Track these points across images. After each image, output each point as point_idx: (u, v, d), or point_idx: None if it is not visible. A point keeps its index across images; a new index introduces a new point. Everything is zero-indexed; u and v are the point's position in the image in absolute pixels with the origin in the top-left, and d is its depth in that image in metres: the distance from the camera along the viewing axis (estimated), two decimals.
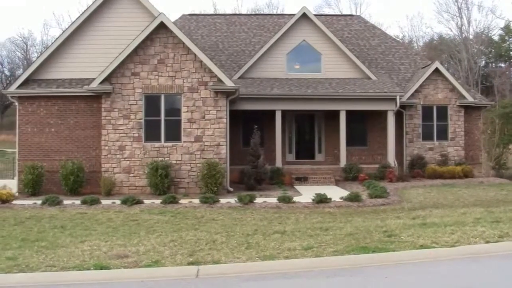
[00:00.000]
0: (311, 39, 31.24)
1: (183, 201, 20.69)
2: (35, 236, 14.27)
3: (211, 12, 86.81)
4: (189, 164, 24.28)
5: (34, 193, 23.72)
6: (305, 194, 22.69)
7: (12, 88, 25.81)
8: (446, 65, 69.27)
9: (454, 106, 32.24)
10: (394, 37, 48.68)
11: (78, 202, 20.69)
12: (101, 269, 10.39)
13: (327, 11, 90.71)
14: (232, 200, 20.72)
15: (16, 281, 9.94)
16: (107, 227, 15.68)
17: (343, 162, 29.13)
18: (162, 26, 24.24)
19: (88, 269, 10.42)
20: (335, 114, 29.80)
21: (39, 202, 20.75)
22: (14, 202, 21.16)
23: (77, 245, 12.66)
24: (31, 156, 25.24)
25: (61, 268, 10.53)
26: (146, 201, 20.66)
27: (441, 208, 18.69)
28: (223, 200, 20.69)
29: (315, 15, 34.15)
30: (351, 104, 28.97)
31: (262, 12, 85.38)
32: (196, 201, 20.58)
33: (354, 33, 37.46)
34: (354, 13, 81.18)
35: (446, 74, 32.49)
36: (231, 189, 24.48)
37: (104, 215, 17.93)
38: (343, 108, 29.02)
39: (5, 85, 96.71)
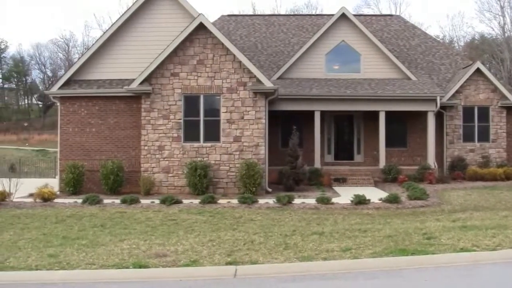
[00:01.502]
0: (350, 39, 31.08)
1: (222, 201, 20.75)
2: (75, 234, 14.48)
3: (250, 12, 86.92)
4: (227, 164, 24.34)
5: (75, 192, 24.04)
6: (344, 195, 22.57)
7: (54, 89, 26.21)
8: (487, 65, 68.18)
9: (496, 107, 31.74)
10: (434, 37, 48.13)
11: (117, 201, 20.92)
12: (140, 267, 10.49)
13: (366, 11, 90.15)
14: (271, 200, 20.71)
15: (58, 278, 10.10)
16: (146, 226, 15.81)
17: (382, 163, 28.91)
18: (201, 27, 24.34)
19: (127, 267, 10.53)
20: (374, 114, 29.59)
21: (80, 200, 21.04)
22: (56, 200, 21.50)
23: (117, 244, 12.80)
24: (72, 155, 25.60)
25: (101, 266, 10.66)
26: (185, 201, 20.77)
27: (482, 210, 18.40)
28: (261, 201, 20.70)
29: (354, 15, 33.97)
30: (391, 105, 28.72)
31: (301, 13, 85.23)
32: (234, 201, 20.63)
33: (394, 33, 37.15)
34: (393, 13, 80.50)
35: (488, 74, 32.00)
36: (270, 190, 24.47)
37: (143, 214, 18.08)
38: (382, 109, 28.79)
39: (47, 86, 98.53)
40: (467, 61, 35.76)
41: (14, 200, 21.46)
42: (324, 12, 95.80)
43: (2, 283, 9.96)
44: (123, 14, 26.11)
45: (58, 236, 14.22)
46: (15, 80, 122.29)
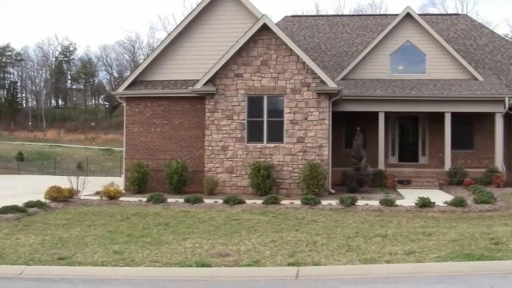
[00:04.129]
0: (415, 39, 30.61)
1: (284, 202, 20.72)
2: (140, 232, 14.72)
3: (313, 13, 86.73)
4: (290, 165, 24.31)
5: (139, 191, 24.45)
6: (408, 197, 22.25)
7: (120, 89, 26.74)
8: None
9: None
10: (503, 36, 46.95)
11: (181, 200, 21.15)
12: (203, 266, 10.58)
13: (431, 10, 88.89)
14: (334, 202, 20.57)
15: (122, 274, 10.31)
16: (209, 225, 15.94)
17: (447, 165, 28.36)
18: (264, 28, 24.41)
19: (190, 266, 10.64)
20: (439, 116, 29.06)
21: (144, 199, 21.39)
22: (121, 198, 21.95)
23: (180, 242, 12.96)
24: (137, 155, 26.04)
25: (164, 264, 10.81)
26: (248, 201, 20.82)
27: None
28: (324, 202, 20.58)
29: (419, 14, 33.41)
30: (457, 106, 28.16)
31: (364, 13, 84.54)
32: (297, 202, 20.57)
33: (460, 32, 36.39)
34: (460, 11, 79.03)
35: None
36: (333, 191, 24.33)
37: (206, 214, 18.24)
38: (448, 110, 28.25)
39: (113, 87, 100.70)
40: None
41: (81, 197, 21.99)
42: (389, 12, 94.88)
43: (70, 278, 10.22)
44: (187, 16, 26.43)
45: (123, 233, 14.49)
46: (83, 81, 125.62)
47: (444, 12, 77.48)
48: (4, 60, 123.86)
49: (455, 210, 19.15)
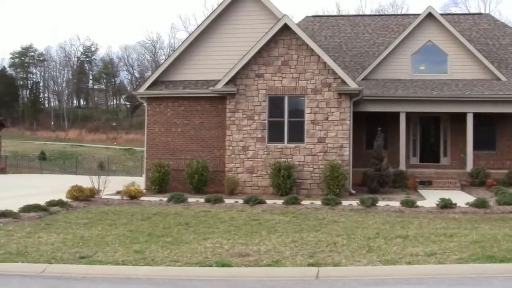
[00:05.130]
0: (436, 39, 30.40)
1: (305, 202, 20.67)
2: (160, 231, 14.77)
3: (334, 13, 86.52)
4: (311, 166, 24.26)
5: (160, 190, 24.52)
6: (429, 198, 22.10)
7: (141, 90, 26.87)
8: None
9: None
10: None
11: (202, 200, 21.18)
12: (223, 266, 10.60)
13: (454, 10, 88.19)
14: (354, 202, 20.49)
15: (142, 273, 10.36)
16: (229, 225, 15.95)
17: (469, 166, 28.12)
18: (285, 28, 24.38)
19: (210, 266, 10.67)
20: (461, 116, 28.83)
21: (165, 199, 21.46)
22: (142, 198, 22.02)
23: (200, 242, 12.98)
24: (158, 154, 26.14)
25: (185, 264, 10.85)
26: (268, 201, 20.79)
27: None
28: (345, 202, 20.50)
29: (441, 14, 33.20)
30: (479, 107, 27.93)
31: (386, 12, 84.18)
32: (317, 202, 20.52)
33: (483, 32, 36.05)
34: (482, 11, 78.30)
35: None
36: (353, 192, 24.24)
37: (226, 214, 18.25)
38: (470, 111, 28.01)
39: (135, 87, 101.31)
40: None
41: (103, 197, 22.13)
42: (410, 12, 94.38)
43: (91, 276, 10.30)
44: (207, 17, 26.48)
45: (143, 233, 14.55)
46: (105, 81, 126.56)
47: (466, 12, 76.90)
48: (27, 60, 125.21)
49: (477, 212, 18.98)
